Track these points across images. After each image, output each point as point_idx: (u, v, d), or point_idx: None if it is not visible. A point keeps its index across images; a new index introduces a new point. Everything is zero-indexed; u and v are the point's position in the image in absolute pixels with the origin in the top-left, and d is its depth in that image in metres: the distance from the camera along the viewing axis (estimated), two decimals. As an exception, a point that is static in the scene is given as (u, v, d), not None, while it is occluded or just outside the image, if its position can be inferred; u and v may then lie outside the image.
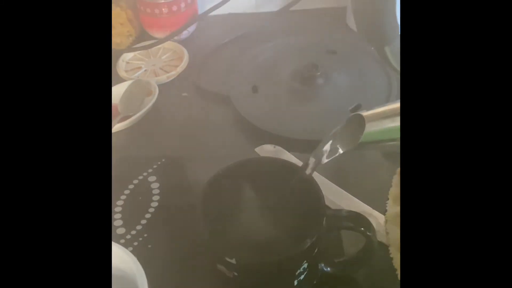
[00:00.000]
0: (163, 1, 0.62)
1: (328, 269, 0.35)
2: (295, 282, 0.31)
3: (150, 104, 0.54)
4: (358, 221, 0.32)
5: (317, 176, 0.44)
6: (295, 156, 0.47)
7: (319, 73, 0.54)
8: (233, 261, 0.28)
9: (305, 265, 0.30)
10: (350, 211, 0.33)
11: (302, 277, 0.31)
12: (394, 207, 0.41)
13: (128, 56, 0.63)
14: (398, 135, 0.28)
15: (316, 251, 0.31)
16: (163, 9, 0.62)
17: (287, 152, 0.48)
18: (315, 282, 0.34)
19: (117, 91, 0.56)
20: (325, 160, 0.30)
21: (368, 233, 0.32)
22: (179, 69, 0.59)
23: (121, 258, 0.34)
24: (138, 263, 0.34)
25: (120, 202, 0.45)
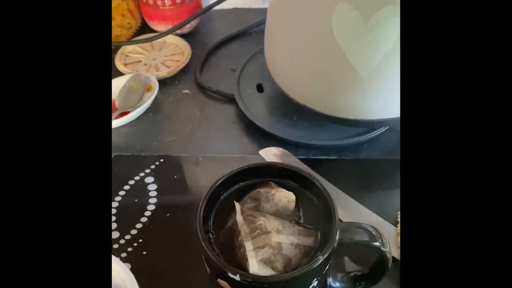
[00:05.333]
0: (166, -8, 0.59)
1: (337, 284, 0.33)
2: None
3: (149, 101, 0.51)
4: (372, 235, 0.29)
5: (328, 185, 0.42)
6: (301, 161, 0.44)
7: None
8: (237, 277, 0.26)
9: (315, 283, 0.28)
10: (362, 225, 0.30)
11: (310, 295, 0.28)
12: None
13: (127, 48, 0.60)
14: None
15: (327, 268, 0.28)
16: (165, 1, 0.60)
17: (292, 156, 0.45)
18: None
19: (115, 85, 0.53)
20: None
21: (382, 249, 0.29)
22: (181, 65, 0.57)
23: (112, 268, 0.32)
24: (131, 274, 0.32)
25: (114, 204, 0.42)
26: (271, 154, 0.46)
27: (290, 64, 0.43)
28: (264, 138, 0.48)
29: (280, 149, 0.46)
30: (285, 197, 0.29)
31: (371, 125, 0.43)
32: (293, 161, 0.45)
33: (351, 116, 0.41)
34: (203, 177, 0.45)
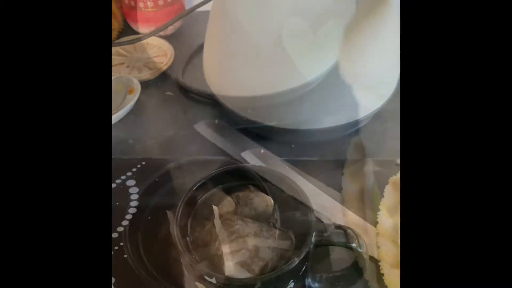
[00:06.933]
0: (148, -6, 0.59)
1: (316, 284, 0.33)
2: (280, 302, 0.28)
3: (131, 103, 0.51)
4: (349, 236, 0.30)
5: (305, 184, 0.42)
6: (283, 162, 0.45)
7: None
8: (213, 280, 0.26)
9: (292, 285, 0.28)
10: (340, 226, 0.30)
11: (287, 296, 0.29)
12: (386, 219, 0.39)
13: (110, 51, 0.60)
14: None
15: (304, 269, 0.28)
16: (148, 3, 0.59)
17: (275, 157, 0.45)
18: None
19: (97, 88, 0.53)
20: None
21: (359, 250, 0.30)
22: (164, 67, 0.57)
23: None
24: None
25: (95, 208, 0.42)
26: (254, 156, 0.46)
27: (240, 80, 0.44)
28: (248, 139, 0.48)
29: (263, 150, 0.46)
30: (263, 202, 0.29)
31: (321, 135, 0.45)
32: (276, 162, 0.45)
33: (303, 126, 0.44)
34: (186, 180, 0.45)
